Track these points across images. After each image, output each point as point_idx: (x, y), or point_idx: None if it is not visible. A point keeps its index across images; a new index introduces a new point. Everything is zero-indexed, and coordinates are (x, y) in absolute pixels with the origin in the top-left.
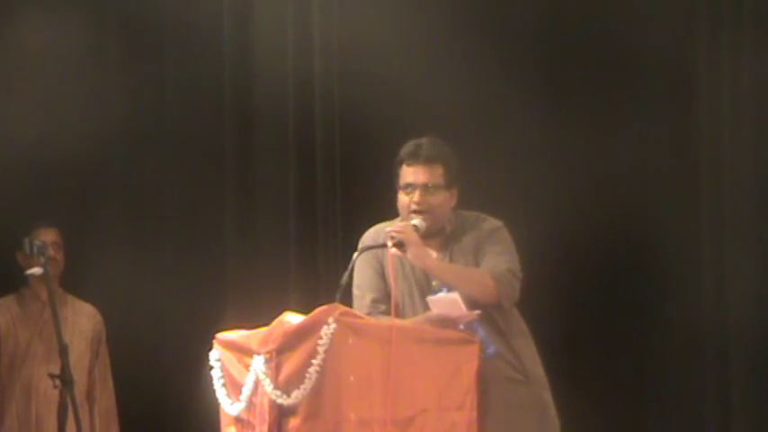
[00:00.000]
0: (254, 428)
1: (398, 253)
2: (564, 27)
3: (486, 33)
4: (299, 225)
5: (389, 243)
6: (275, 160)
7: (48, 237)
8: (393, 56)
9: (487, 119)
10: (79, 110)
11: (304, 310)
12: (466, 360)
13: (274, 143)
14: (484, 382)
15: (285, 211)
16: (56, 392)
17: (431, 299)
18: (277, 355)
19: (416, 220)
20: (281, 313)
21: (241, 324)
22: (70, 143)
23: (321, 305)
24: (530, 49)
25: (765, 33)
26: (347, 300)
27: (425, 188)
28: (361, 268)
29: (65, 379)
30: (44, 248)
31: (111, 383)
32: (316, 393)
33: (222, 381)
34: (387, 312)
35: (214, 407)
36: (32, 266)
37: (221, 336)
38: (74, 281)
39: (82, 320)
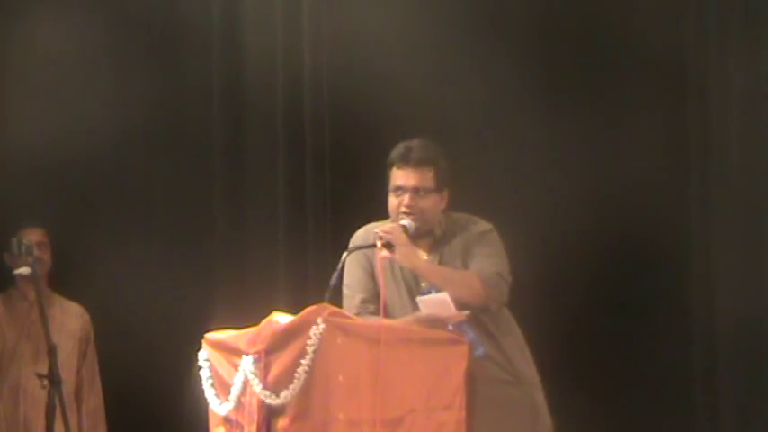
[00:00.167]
0: (242, 428)
1: (387, 254)
2: (558, 26)
3: (480, 27)
4: (288, 224)
5: (379, 243)
6: (264, 159)
7: (33, 236)
8: (384, 50)
9: (480, 114)
10: (66, 107)
11: (293, 310)
12: (455, 360)
13: (264, 142)
14: (473, 382)
15: (274, 210)
16: (44, 392)
17: (420, 299)
18: (266, 355)
19: (405, 221)
20: (269, 313)
21: (230, 324)
22: (57, 141)
23: (310, 305)
24: (524, 44)
25: (755, 35)
26: (336, 300)
27: (415, 191)
28: (351, 268)
29: (53, 379)
30: (32, 248)
31: (98, 383)
32: (304, 393)
33: (211, 381)
34: (376, 312)
35: (203, 407)
36: (20, 266)
37: (210, 336)
38: (62, 280)
39: (69, 320)
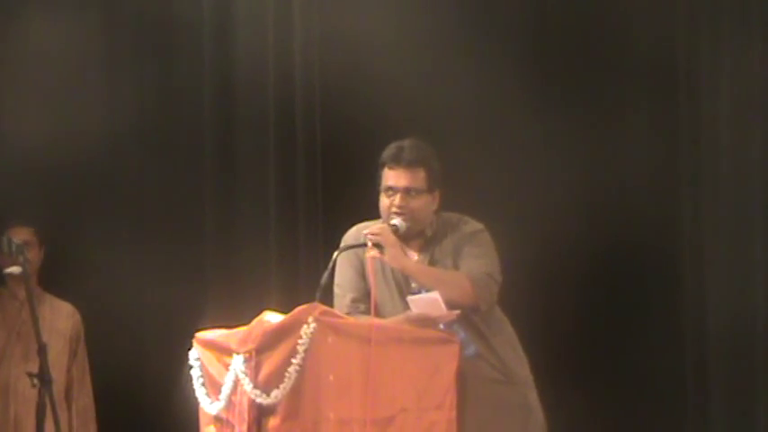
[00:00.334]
0: (233, 428)
1: (376, 254)
2: (549, 25)
3: (472, 27)
4: (279, 224)
5: (369, 243)
6: (255, 158)
7: (21, 235)
8: (375, 50)
9: (472, 114)
10: (55, 106)
11: (284, 309)
12: (445, 360)
13: (255, 141)
14: (464, 382)
15: (266, 209)
16: (34, 392)
17: (411, 298)
18: (256, 355)
19: (396, 220)
20: (260, 312)
21: (221, 323)
22: (49, 140)
23: (301, 304)
24: (515, 44)
25: (746, 36)
26: (327, 299)
27: (407, 192)
28: (343, 267)
29: (43, 378)
30: (23, 248)
31: (89, 382)
32: (295, 393)
33: (201, 380)
34: (367, 312)
35: (193, 406)
36: (10, 266)
37: (201, 335)
38: (53, 279)
39: (60, 319)
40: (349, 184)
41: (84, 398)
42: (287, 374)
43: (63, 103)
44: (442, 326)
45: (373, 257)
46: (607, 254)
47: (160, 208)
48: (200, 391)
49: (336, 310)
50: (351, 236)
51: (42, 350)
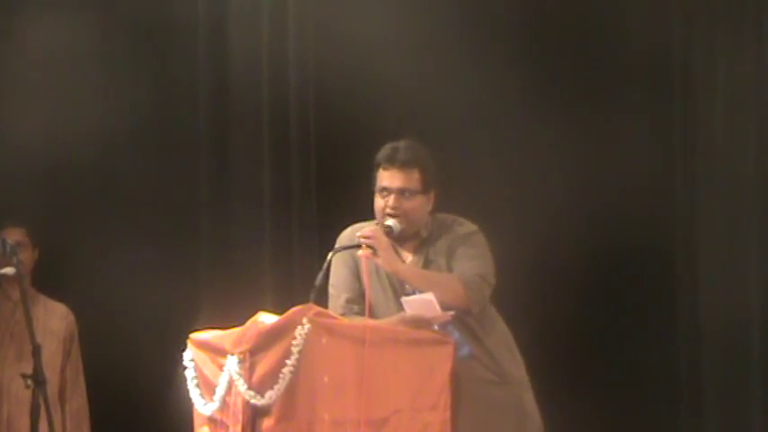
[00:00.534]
0: (227, 429)
1: (370, 256)
2: (546, 26)
3: (469, 26)
4: (274, 224)
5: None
6: (250, 158)
7: (13, 236)
8: (370, 49)
9: (468, 113)
10: (51, 107)
11: (278, 310)
12: (440, 361)
13: (249, 141)
14: (458, 382)
15: (260, 210)
16: (28, 393)
17: (405, 299)
18: (251, 356)
19: (391, 221)
20: (255, 313)
21: (215, 324)
22: (44, 141)
23: (296, 305)
24: (512, 44)
25: (741, 36)
26: (322, 300)
27: (401, 193)
28: (337, 268)
29: (37, 379)
30: (17, 248)
31: (82, 383)
32: (289, 394)
33: (196, 381)
34: (361, 313)
35: (187, 407)
36: (3, 267)
37: (195, 336)
38: (47, 280)
39: (54, 320)
40: (343, 184)
41: (78, 398)
42: (281, 375)
43: (57, 104)
44: (436, 327)
45: (367, 257)
46: (603, 254)
47: (154, 208)
48: (194, 392)
49: (331, 311)
50: (346, 236)
51: (36, 351)
